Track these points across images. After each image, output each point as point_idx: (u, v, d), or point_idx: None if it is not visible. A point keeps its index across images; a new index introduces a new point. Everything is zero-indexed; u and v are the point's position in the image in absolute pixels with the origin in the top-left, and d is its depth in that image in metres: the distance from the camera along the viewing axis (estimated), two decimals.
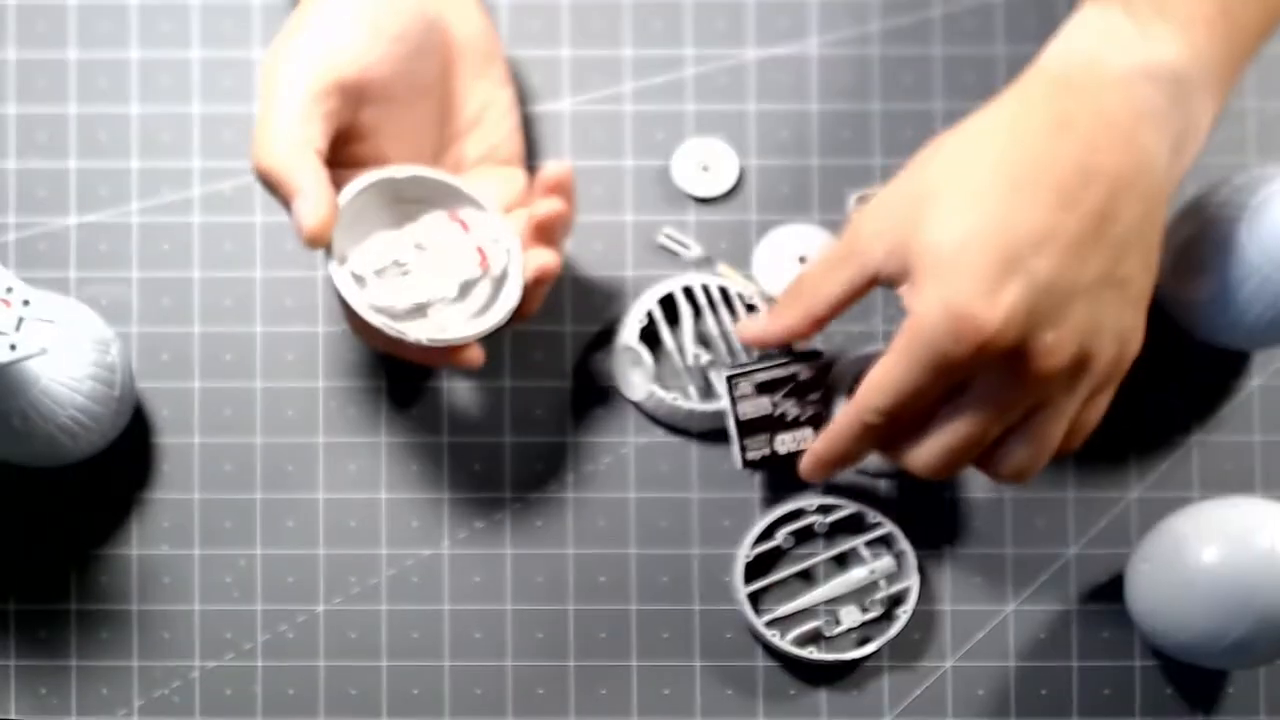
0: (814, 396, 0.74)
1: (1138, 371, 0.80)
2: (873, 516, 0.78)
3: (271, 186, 0.69)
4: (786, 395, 0.73)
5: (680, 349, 0.79)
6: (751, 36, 0.81)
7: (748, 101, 0.81)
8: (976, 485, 0.80)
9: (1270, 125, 0.81)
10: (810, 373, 0.74)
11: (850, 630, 0.78)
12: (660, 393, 0.78)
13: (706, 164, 0.80)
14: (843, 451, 0.69)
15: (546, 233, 0.72)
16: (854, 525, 0.79)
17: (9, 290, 0.66)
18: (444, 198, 0.73)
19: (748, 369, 0.73)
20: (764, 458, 0.74)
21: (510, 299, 0.72)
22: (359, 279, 0.71)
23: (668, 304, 0.79)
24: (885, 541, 0.79)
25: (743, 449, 0.74)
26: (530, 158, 0.79)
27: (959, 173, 0.64)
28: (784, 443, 0.74)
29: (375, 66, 0.70)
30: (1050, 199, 0.62)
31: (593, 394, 0.80)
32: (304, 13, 0.71)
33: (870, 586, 0.78)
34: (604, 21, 0.81)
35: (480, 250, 0.72)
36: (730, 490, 0.79)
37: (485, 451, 0.79)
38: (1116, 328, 0.65)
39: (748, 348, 0.77)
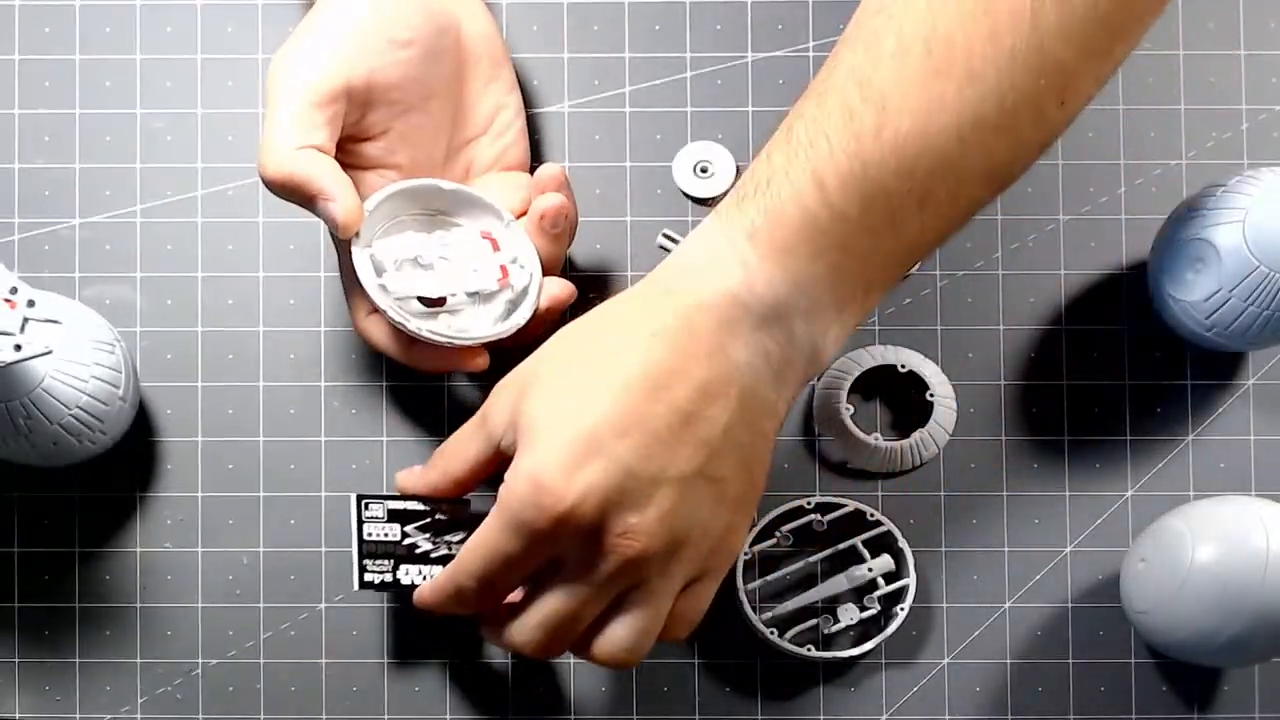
0: (454, 538, 0.74)
1: (1134, 371, 0.80)
2: (871, 515, 0.78)
3: (286, 191, 0.70)
4: (421, 529, 0.74)
5: None
6: (750, 40, 0.81)
7: (747, 104, 0.81)
8: (975, 484, 0.80)
9: (1264, 127, 0.81)
10: (450, 515, 0.74)
11: (848, 628, 0.79)
12: None
13: (706, 166, 0.81)
14: (439, 604, 0.70)
15: (551, 226, 0.73)
16: (852, 524, 0.79)
17: (13, 291, 0.66)
18: (471, 211, 0.74)
19: (380, 496, 0.73)
20: (383, 583, 0.73)
21: (522, 316, 0.73)
22: (378, 267, 0.72)
23: None
24: (883, 540, 0.79)
25: (361, 569, 0.73)
26: (531, 159, 0.79)
27: (563, 359, 0.66)
28: (408, 573, 0.73)
29: (384, 71, 0.71)
30: (639, 392, 0.64)
31: None
32: (314, 17, 0.72)
33: (868, 585, 0.78)
34: (604, 24, 0.82)
35: (503, 269, 0.74)
36: None
37: None
38: (710, 522, 0.66)
39: None
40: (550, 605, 0.67)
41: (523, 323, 0.73)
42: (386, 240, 0.73)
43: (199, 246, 0.80)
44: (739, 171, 0.80)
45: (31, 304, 0.66)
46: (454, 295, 0.73)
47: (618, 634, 0.67)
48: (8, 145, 0.80)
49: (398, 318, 0.71)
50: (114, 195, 0.80)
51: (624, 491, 0.64)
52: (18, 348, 0.66)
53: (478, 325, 0.73)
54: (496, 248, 0.74)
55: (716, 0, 0.81)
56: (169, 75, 0.81)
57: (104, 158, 0.81)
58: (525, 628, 0.68)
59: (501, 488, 0.66)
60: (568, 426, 0.64)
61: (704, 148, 0.81)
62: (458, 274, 0.73)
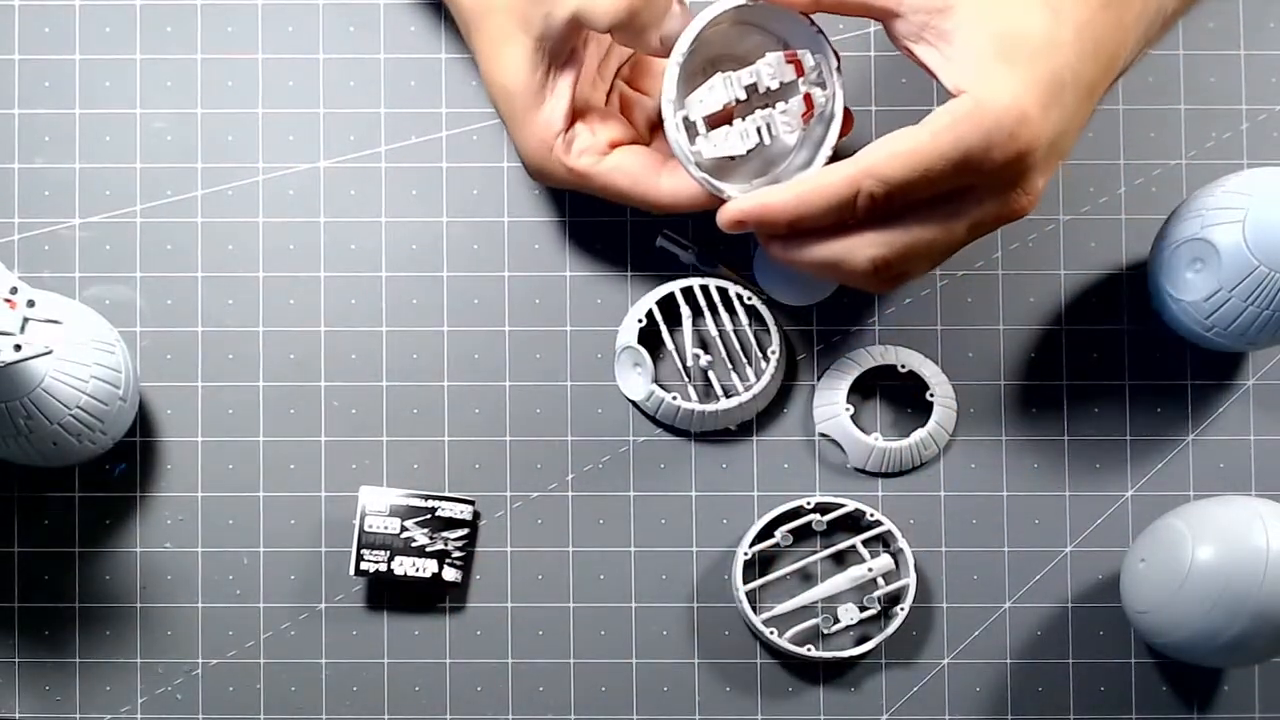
0: (451, 535, 0.77)
1: (1134, 371, 0.80)
2: (871, 515, 0.79)
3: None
4: (420, 524, 0.76)
5: (680, 349, 0.80)
6: None
7: None
8: (975, 484, 0.80)
9: (1264, 127, 0.81)
10: (449, 518, 0.77)
11: (848, 628, 0.79)
12: (660, 393, 0.79)
13: None
14: (813, 211, 0.66)
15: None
16: (852, 523, 0.79)
17: (13, 291, 0.66)
18: (772, 25, 0.72)
19: (387, 490, 0.78)
20: (377, 572, 0.77)
21: (830, 144, 0.71)
22: (690, 126, 0.71)
23: (668, 304, 0.80)
24: (883, 540, 0.79)
25: (359, 557, 0.77)
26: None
27: None
28: (401, 565, 0.77)
29: None
30: (1089, 48, 0.63)
31: (593, 394, 0.80)
32: None
33: (868, 584, 0.78)
34: None
35: (808, 99, 0.71)
36: (729, 489, 0.80)
37: (486, 450, 0.80)
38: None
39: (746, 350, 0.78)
40: (921, 234, 0.65)
41: (830, 152, 0.71)
42: (697, 95, 0.71)
43: (199, 246, 0.80)
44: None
45: (31, 304, 0.66)
46: (765, 143, 0.72)
47: (922, 266, 0.67)
48: (8, 145, 0.80)
49: (711, 186, 0.71)
50: (114, 195, 0.80)
51: (1055, 149, 0.63)
52: (18, 348, 0.66)
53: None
54: (801, 71, 0.71)
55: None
56: (169, 75, 0.81)
57: (104, 158, 0.81)
58: (880, 244, 0.65)
59: (963, 103, 0.62)
60: (1054, 57, 0.62)
61: None
62: (763, 119, 0.72)
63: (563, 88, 0.72)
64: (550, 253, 0.80)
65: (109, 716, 0.79)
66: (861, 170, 0.64)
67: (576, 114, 0.73)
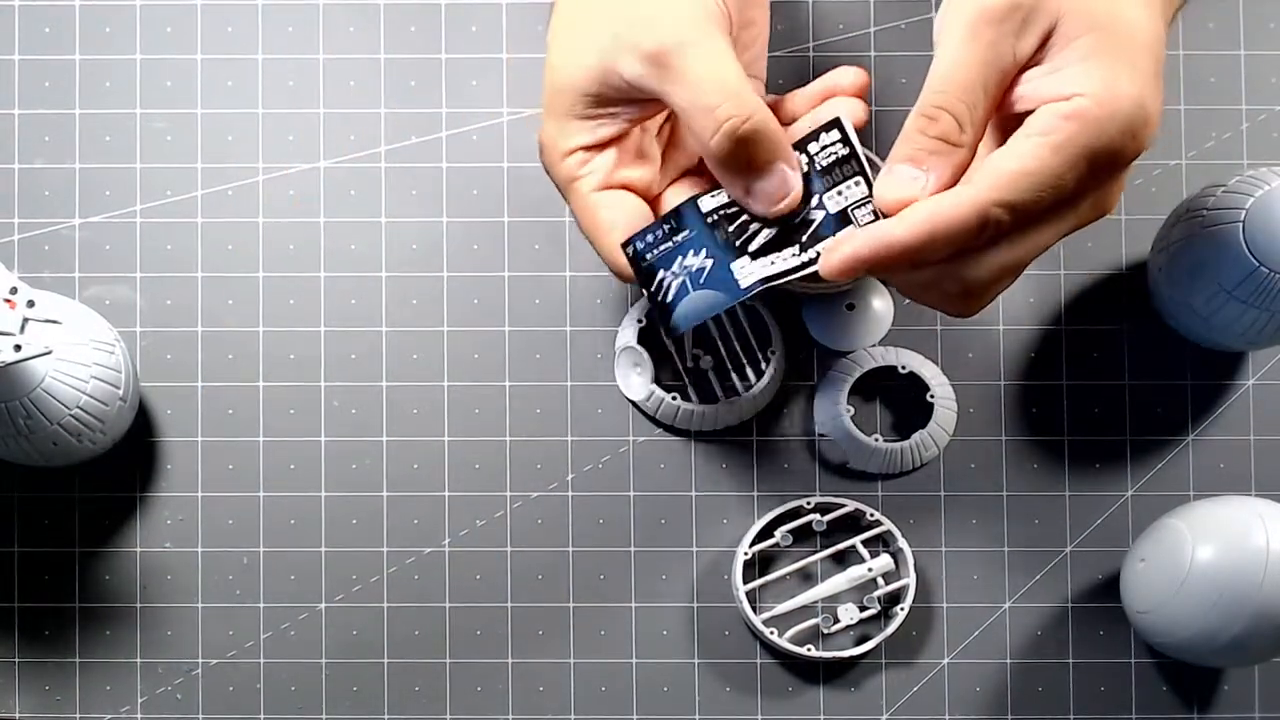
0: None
1: (1134, 371, 0.80)
2: (871, 515, 0.79)
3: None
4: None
5: (680, 349, 0.80)
6: None
7: None
8: (975, 484, 0.80)
9: (1263, 128, 0.81)
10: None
11: (848, 628, 0.79)
12: (660, 393, 0.79)
13: None
14: (941, 246, 0.59)
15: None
16: (852, 523, 0.79)
17: (13, 291, 0.67)
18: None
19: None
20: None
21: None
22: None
23: None
24: (883, 540, 0.79)
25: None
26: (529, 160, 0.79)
27: None
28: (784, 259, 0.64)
29: None
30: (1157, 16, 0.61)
31: (593, 394, 0.80)
32: None
33: (868, 584, 0.79)
34: None
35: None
36: (729, 489, 0.80)
37: (485, 450, 0.80)
38: None
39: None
40: (1028, 249, 0.60)
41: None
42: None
43: (199, 246, 0.80)
44: None
45: (31, 304, 0.67)
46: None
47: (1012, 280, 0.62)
48: (8, 145, 0.81)
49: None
50: (114, 195, 0.81)
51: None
52: (18, 348, 0.66)
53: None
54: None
55: None
56: (169, 75, 0.81)
57: (104, 158, 0.81)
58: (991, 265, 0.60)
59: (1083, 108, 0.58)
60: (1148, 55, 0.59)
61: None
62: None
63: (605, 130, 0.66)
64: (550, 253, 0.80)
65: (109, 716, 0.79)
66: (989, 197, 0.58)
67: (612, 140, 0.67)
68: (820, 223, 0.64)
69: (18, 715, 0.79)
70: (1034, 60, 0.61)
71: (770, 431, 0.80)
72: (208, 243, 0.80)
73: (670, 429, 0.80)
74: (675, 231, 0.66)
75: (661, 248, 0.66)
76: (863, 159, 0.63)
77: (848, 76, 0.67)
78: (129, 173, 0.81)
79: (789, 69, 0.81)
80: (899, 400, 0.80)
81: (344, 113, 0.81)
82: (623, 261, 0.66)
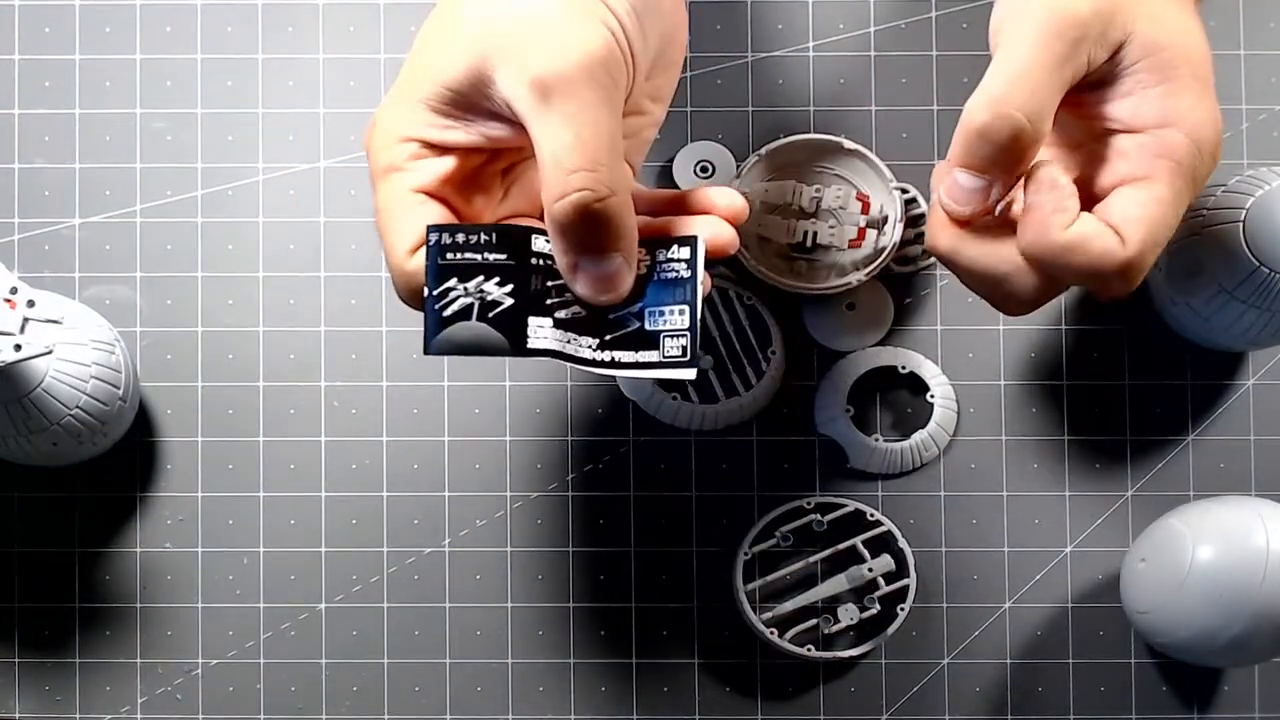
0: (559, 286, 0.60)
1: (1134, 371, 0.80)
2: (871, 515, 0.79)
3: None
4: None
5: None
6: (750, 40, 0.81)
7: (747, 104, 0.81)
8: (975, 484, 0.80)
9: (1264, 128, 0.81)
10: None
11: (848, 628, 0.79)
12: (660, 393, 0.79)
13: (707, 165, 0.81)
14: (1080, 281, 0.61)
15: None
16: (852, 524, 0.79)
17: (13, 291, 0.67)
18: (854, 171, 0.78)
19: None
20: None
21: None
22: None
23: None
24: (883, 540, 0.79)
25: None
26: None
27: None
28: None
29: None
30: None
31: (593, 394, 0.80)
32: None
33: (868, 585, 0.79)
34: None
35: (861, 231, 0.76)
36: (729, 489, 0.80)
37: (486, 450, 0.80)
38: None
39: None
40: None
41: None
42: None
43: (199, 246, 0.80)
44: (739, 171, 0.80)
45: (31, 304, 0.67)
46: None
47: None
48: (8, 145, 0.81)
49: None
50: (114, 195, 0.81)
51: None
52: (18, 348, 0.66)
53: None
54: (866, 210, 0.77)
55: (717, 0, 0.81)
56: (169, 75, 0.81)
57: (104, 158, 0.81)
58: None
59: (1177, 141, 0.59)
60: (1207, 68, 0.60)
61: (704, 147, 0.81)
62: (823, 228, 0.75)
63: (454, 136, 0.60)
64: None
65: (109, 716, 0.79)
66: (1141, 252, 0.60)
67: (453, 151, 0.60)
68: (631, 331, 0.59)
69: (18, 715, 0.79)
70: (1098, 72, 0.61)
71: (770, 431, 0.80)
72: (207, 243, 0.81)
73: (670, 429, 0.80)
74: (493, 248, 0.58)
75: (468, 255, 0.58)
76: (698, 291, 0.59)
77: (725, 198, 0.61)
78: (129, 173, 0.81)
79: (789, 69, 0.81)
80: (899, 400, 0.80)
81: (344, 113, 0.81)
82: (412, 276, 0.59)
